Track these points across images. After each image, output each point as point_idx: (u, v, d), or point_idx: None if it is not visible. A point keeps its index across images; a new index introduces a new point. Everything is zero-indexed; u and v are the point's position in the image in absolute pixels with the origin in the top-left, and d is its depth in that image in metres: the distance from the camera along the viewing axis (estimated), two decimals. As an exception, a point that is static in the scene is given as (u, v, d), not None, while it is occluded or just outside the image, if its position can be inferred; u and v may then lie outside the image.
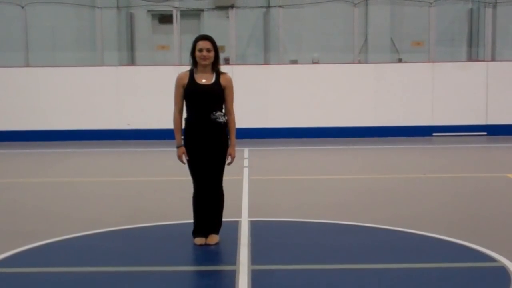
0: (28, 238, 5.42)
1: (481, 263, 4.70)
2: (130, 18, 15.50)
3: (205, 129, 5.03)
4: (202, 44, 5.03)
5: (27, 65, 13.81)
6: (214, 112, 5.03)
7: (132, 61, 15.27)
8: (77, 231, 5.68)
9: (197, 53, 5.04)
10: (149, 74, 13.66)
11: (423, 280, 4.35)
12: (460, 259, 4.85)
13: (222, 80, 5.10)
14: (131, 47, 15.46)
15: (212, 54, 5.05)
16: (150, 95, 13.30)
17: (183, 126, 5.13)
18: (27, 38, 13.90)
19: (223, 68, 5.26)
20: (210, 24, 15.04)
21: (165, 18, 15.37)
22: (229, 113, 5.14)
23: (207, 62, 5.04)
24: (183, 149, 5.12)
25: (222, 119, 5.06)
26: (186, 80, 5.08)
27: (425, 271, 4.52)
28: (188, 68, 5.19)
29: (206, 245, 5.12)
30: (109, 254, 5.02)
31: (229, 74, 5.26)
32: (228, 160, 5.15)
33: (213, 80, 5.08)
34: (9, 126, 13.50)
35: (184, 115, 5.15)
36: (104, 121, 13.52)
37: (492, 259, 4.74)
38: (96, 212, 6.68)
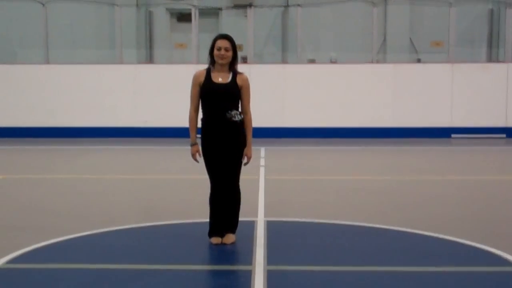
0: (43, 235, 5.46)
1: (499, 267, 4.64)
2: (149, 16, 15.59)
3: (221, 128, 5.03)
4: (221, 43, 5.03)
5: (47, 62, 13.94)
6: (229, 111, 5.02)
7: (150, 59, 15.36)
8: (93, 228, 5.71)
9: (215, 52, 5.04)
10: (167, 72, 13.72)
11: (439, 284, 4.31)
12: (478, 262, 4.80)
13: (239, 80, 5.09)
14: (150, 45, 15.56)
15: (230, 53, 5.04)
16: (167, 93, 13.37)
17: (200, 125, 5.14)
18: (47, 35, 14.03)
19: (240, 66, 5.25)
20: (228, 23, 15.07)
21: (183, 17, 15.43)
22: (245, 113, 5.12)
23: (224, 61, 5.04)
24: (197, 147, 5.12)
25: (237, 118, 5.03)
26: (202, 79, 5.08)
27: (442, 274, 4.48)
28: (205, 66, 5.19)
29: (222, 244, 5.12)
30: (124, 251, 5.04)
31: (246, 73, 5.25)
32: (244, 160, 5.14)
33: (230, 79, 5.07)
34: (28, 123, 13.65)
35: (200, 115, 5.15)
36: (122, 119, 13.61)
37: (511, 264, 4.69)
38: (112, 210, 6.72)
